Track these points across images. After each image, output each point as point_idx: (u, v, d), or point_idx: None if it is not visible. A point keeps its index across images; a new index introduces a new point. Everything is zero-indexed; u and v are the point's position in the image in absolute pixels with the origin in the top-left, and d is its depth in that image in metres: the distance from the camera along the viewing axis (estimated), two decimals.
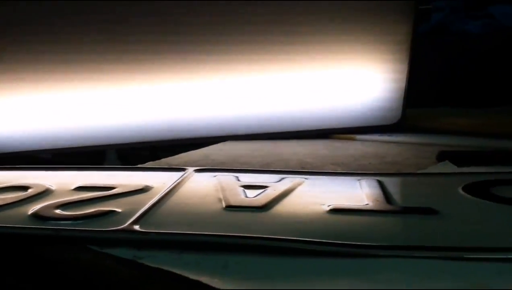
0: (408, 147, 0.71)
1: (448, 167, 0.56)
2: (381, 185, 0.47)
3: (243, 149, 0.74)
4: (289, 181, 0.49)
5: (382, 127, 0.79)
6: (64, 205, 0.42)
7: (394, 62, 0.74)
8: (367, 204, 0.42)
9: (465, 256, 0.31)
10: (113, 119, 0.73)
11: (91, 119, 0.73)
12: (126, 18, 0.71)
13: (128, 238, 0.34)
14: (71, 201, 0.43)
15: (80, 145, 0.70)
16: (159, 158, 0.69)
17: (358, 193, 0.45)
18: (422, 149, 0.69)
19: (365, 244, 0.33)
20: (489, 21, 0.94)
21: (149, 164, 0.65)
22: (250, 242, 0.34)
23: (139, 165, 0.61)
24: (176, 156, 0.70)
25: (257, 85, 0.78)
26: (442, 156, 0.60)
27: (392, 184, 0.48)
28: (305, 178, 0.50)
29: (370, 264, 0.32)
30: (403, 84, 0.75)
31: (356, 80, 0.78)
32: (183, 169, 0.54)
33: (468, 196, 0.43)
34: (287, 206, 0.42)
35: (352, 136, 0.78)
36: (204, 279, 0.28)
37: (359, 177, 0.50)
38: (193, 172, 0.53)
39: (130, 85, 0.71)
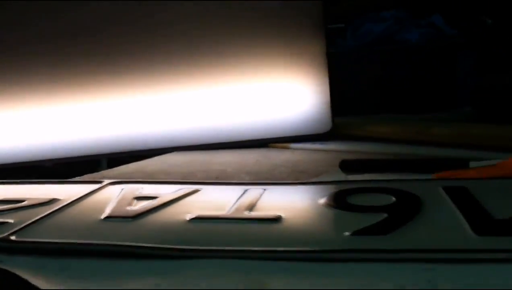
0: (330, 155, 0.77)
1: (337, 175, 0.62)
2: (262, 194, 0.53)
3: (179, 160, 0.80)
4: (182, 191, 0.55)
5: (315, 136, 0.84)
6: None
7: (316, 76, 0.79)
8: (226, 213, 0.48)
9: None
10: (60, 134, 0.80)
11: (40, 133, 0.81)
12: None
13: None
14: None
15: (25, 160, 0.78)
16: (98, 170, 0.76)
17: (232, 202, 0.51)
18: (340, 156, 0.75)
19: (190, 248, 0.39)
20: (429, 30, 0.98)
21: (86, 177, 0.72)
22: (93, 248, 0.40)
23: (70, 179, 0.68)
24: (115, 169, 0.77)
25: (202, 100, 0.84)
26: (343, 164, 0.66)
27: (270, 193, 0.54)
28: (200, 188, 0.57)
29: (198, 264, 0.38)
30: (327, 96, 0.80)
31: (290, 94, 0.84)
32: (100, 182, 0.61)
33: (322, 204, 0.49)
34: (157, 216, 0.48)
35: (286, 145, 0.84)
36: (34, 279, 0.35)
37: (248, 187, 0.56)
38: (108, 185, 0.60)
39: (76, 100, 0.78)
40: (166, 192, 0.55)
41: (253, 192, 0.54)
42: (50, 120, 0.77)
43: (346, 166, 0.66)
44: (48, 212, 0.49)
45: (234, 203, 0.50)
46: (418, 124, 0.78)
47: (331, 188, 0.53)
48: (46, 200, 0.54)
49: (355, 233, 0.41)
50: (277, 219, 0.45)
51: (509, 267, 0.34)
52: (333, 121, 0.83)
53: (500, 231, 0.40)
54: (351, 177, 0.60)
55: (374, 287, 0.33)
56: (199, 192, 0.55)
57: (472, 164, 0.61)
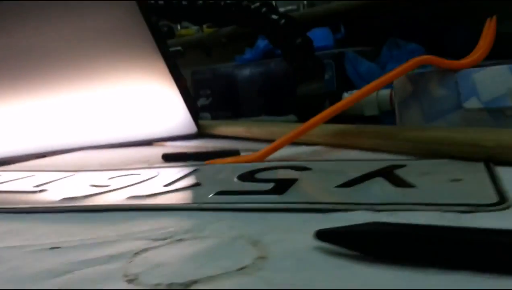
0: (173, 149, 0.97)
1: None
2: (67, 176, 0.76)
3: (79, 157, 1.05)
4: (20, 175, 0.79)
5: (185, 136, 1.06)
6: None
7: (173, 91, 1.01)
8: (24, 189, 0.71)
9: None
10: None
11: None
12: None
13: None
14: None
15: None
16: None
17: (39, 181, 0.74)
18: (179, 150, 0.95)
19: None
20: None
21: None
22: None
23: None
24: (31, 162, 1.02)
25: (97, 110, 1.08)
26: (163, 156, 0.87)
27: (73, 176, 0.76)
28: (35, 174, 0.80)
29: None
30: (183, 104, 1.02)
31: (165, 104, 1.07)
32: None
33: (90, 185, 0.70)
34: None
35: (163, 143, 1.07)
36: None
37: (65, 173, 0.79)
38: None
39: None
40: (9, 177, 0.79)
41: (63, 175, 0.77)
42: None
43: (166, 157, 0.87)
44: None
45: (40, 182, 0.73)
46: (247, 124, 0.98)
47: (115, 173, 0.75)
48: None
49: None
50: (42, 190, 0.68)
51: None
52: (197, 124, 1.05)
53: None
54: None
55: None
56: (33, 177, 0.79)
57: (242, 153, 0.81)
